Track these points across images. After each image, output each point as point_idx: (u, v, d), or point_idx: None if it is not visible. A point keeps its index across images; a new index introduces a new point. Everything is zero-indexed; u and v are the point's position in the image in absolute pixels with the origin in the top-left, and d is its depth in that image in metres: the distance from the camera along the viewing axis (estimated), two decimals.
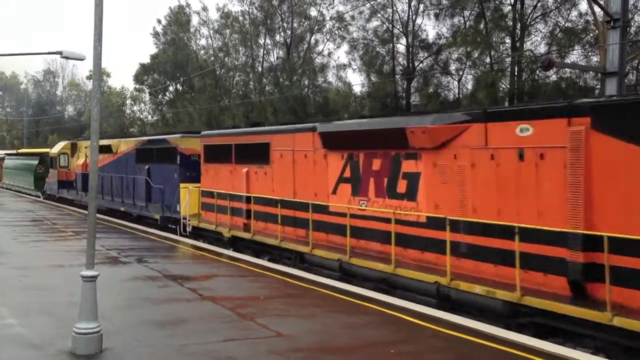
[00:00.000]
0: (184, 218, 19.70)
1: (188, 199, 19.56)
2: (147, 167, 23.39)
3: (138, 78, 63.34)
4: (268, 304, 10.47)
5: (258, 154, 16.76)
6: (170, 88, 60.65)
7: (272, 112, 43.63)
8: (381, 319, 9.55)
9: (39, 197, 38.53)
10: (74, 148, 34.10)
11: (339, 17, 43.58)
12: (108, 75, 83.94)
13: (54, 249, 16.66)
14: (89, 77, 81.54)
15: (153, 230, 21.55)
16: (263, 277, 12.97)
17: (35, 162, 40.41)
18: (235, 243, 17.35)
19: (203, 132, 20.74)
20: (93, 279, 7.63)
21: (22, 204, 33.83)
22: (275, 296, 11.20)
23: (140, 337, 8.29)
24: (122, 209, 25.69)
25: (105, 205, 27.13)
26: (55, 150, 36.36)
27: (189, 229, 19.49)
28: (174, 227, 20.92)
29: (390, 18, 39.96)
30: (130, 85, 74.22)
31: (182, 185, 20.33)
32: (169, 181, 21.57)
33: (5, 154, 54.13)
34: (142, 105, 73.70)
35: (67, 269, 13.36)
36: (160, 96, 62.97)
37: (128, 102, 78.64)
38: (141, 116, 73.98)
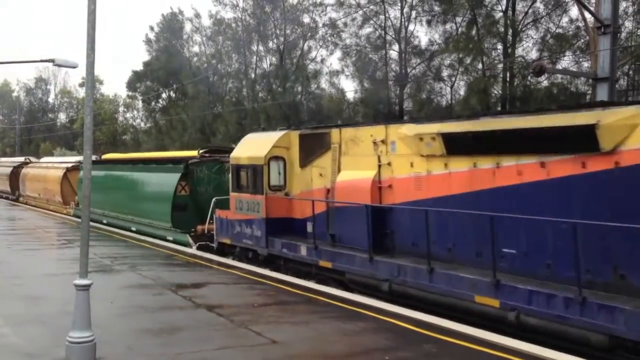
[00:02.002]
0: None
1: None
2: None
3: (131, 85, 63.39)
4: (262, 312, 10.45)
5: None
6: (163, 95, 60.68)
7: (265, 119, 43.69)
8: (376, 325, 9.54)
9: (185, 245, 18.78)
10: (308, 145, 14.70)
11: (332, 24, 43.73)
12: (101, 83, 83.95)
13: (48, 258, 16.58)
14: (81, 85, 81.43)
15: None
16: (257, 285, 12.94)
17: (176, 175, 20.02)
18: None
19: None
20: (86, 287, 7.59)
21: (14, 212, 33.63)
22: (270, 303, 11.17)
23: (134, 345, 8.27)
24: None
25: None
26: (250, 151, 15.91)
27: None
28: None
29: (383, 25, 40.18)
30: (122, 92, 74.31)
31: None
32: None
33: (77, 161, 30.50)
34: (135, 112, 73.84)
35: (60, 278, 13.29)
36: (153, 103, 63.01)
37: (121, 109, 78.73)
38: (134, 123, 74.05)
